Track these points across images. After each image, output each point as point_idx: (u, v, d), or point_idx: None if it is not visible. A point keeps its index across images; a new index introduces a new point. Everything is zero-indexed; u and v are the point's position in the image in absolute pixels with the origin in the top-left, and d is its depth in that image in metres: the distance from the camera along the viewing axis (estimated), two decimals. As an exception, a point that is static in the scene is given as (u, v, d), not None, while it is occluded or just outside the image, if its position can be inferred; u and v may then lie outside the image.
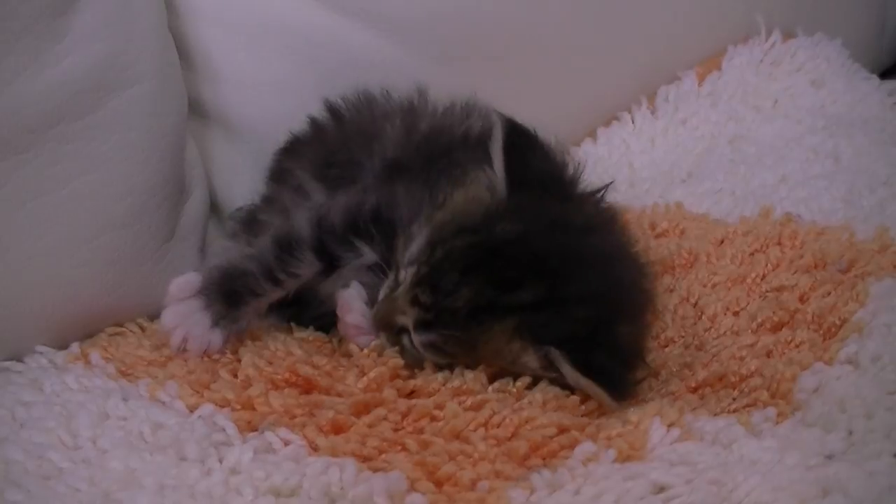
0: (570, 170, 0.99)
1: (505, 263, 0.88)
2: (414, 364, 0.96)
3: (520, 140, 0.95)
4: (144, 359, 1.01)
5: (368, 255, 1.02)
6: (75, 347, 1.06)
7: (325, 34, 1.40)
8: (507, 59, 1.58)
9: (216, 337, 0.98)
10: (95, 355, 1.03)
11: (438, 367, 0.95)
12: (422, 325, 0.92)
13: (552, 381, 0.91)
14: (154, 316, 1.15)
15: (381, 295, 0.98)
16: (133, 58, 1.11)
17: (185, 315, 0.98)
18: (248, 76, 1.37)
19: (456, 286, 0.89)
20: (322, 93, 1.38)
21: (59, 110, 1.03)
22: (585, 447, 0.80)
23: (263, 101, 1.38)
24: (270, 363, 0.97)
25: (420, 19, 1.47)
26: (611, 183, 1.03)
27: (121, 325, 1.13)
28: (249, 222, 1.26)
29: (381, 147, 1.17)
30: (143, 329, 1.13)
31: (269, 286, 1.00)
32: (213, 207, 1.39)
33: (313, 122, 1.30)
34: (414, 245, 0.94)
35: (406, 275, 0.94)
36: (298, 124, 1.35)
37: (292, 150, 1.30)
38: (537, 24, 1.61)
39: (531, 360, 0.90)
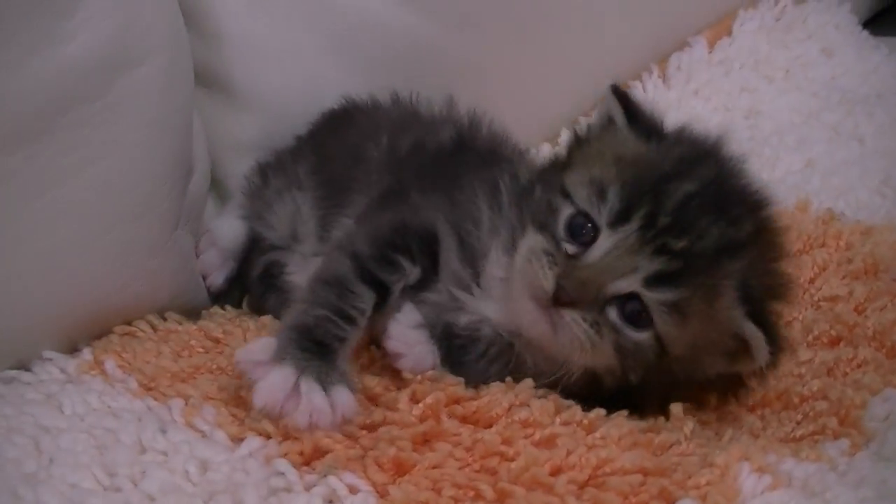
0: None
1: (725, 202, 0.89)
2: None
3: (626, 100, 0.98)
4: (167, 370, 0.94)
5: (412, 270, 0.95)
6: (87, 354, 0.98)
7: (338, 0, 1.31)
8: (521, 27, 1.50)
9: (344, 396, 0.83)
10: (110, 364, 0.95)
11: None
12: (663, 280, 0.85)
13: None
14: (163, 311, 1.08)
15: (550, 269, 0.88)
16: (145, 30, 1.01)
17: (286, 386, 0.82)
18: (254, 40, 1.27)
19: (707, 227, 0.86)
20: (331, 60, 1.30)
21: (71, 93, 0.93)
22: (685, 505, 0.74)
23: (270, 67, 1.28)
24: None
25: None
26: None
27: (130, 324, 1.05)
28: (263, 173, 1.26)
29: (365, 172, 1.13)
30: (154, 328, 1.05)
31: (348, 326, 0.88)
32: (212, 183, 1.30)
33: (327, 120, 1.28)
34: (605, 207, 0.88)
35: (617, 234, 0.87)
36: (306, 94, 1.27)
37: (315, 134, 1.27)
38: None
39: (733, 318, 0.88)
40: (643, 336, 0.87)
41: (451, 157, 1.13)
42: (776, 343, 0.88)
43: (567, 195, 0.91)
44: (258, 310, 1.16)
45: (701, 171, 0.90)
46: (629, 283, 0.86)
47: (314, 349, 0.85)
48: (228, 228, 1.25)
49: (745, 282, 0.87)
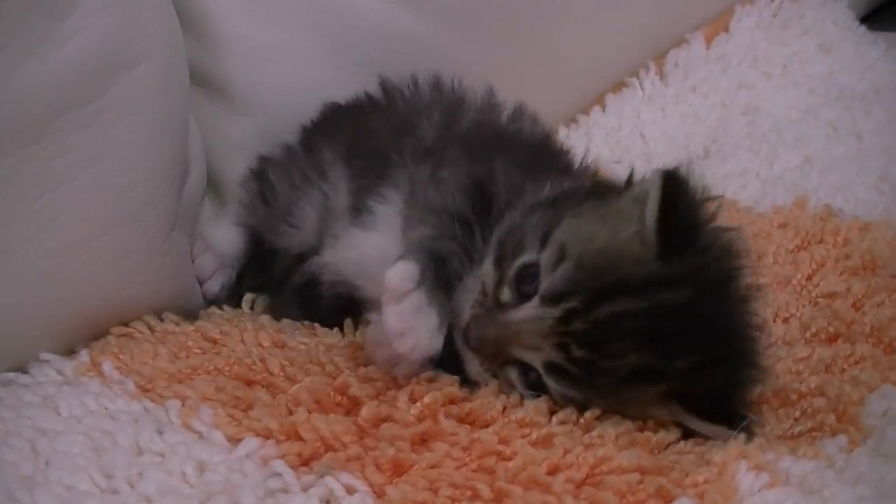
0: (707, 212, 0.89)
1: (670, 332, 0.82)
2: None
3: (674, 194, 0.86)
4: (165, 371, 0.94)
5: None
6: (84, 355, 0.98)
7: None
8: (518, 25, 1.51)
9: (437, 341, 0.84)
10: (108, 365, 0.95)
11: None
12: (558, 371, 0.84)
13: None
14: (160, 312, 1.08)
15: (471, 307, 0.88)
16: (141, 31, 1.00)
17: (413, 315, 0.82)
18: (251, 41, 1.27)
19: (622, 352, 0.82)
20: (329, 61, 1.31)
21: (68, 95, 0.92)
22: None
23: (267, 68, 1.28)
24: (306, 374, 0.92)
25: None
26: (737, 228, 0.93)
27: (127, 325, 1.05)
28: (260, 177, 1.24)
29: (415, 142, 1.11)
30: (152, 329, 1.05)
31: (468, 268, 0.89)
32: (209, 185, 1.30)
33: (355, 101, 1.26)
34: (551, 279, 0.84)
35: (541, 310, 0.84)
36: (303, 95, 1.27)
37: (327, 123, 1.25)
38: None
39: (664, 413, 0.87)
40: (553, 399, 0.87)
41: (536, 149, 1.13)
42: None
43: (545, 241, 0.87)
44: (273, 311, 1.15)
45: (669, 293, 0.83)
46: (531, 358, 0.85)
47: (441, 284, 0.86)
48: (224, 235, 1.24)
49: (680, 392, 0.85)
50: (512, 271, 0.87)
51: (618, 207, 0.90)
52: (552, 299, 0.84)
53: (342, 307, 1.06)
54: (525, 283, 0.86)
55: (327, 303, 1.10)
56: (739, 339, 0.88)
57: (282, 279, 1.19)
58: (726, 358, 0.86)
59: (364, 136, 1.17)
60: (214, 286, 1.21)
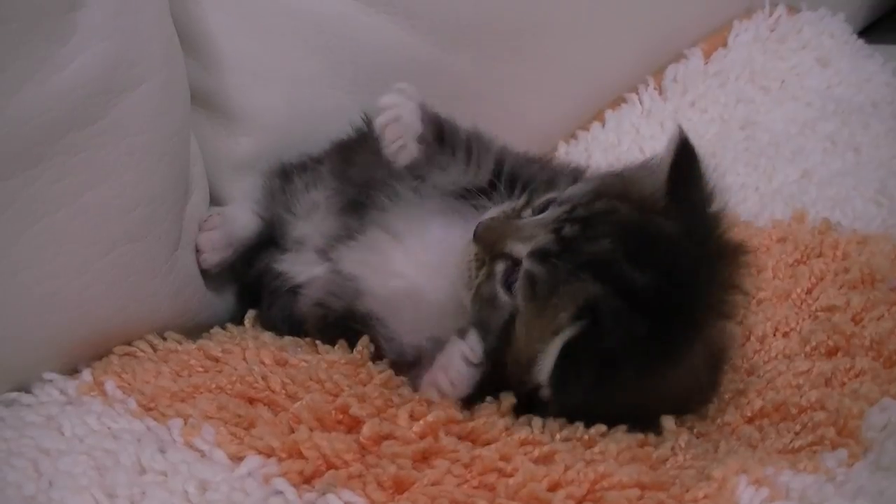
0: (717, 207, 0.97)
1: (638, 248, 0.88)
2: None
3: (688, 160, 0.95)
4: (167, 390, 0.94)
5: None
6: (87, 375, 0.98)
7: (334, 19, 1.31)
8: (516, 42, 1.51)
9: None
10: (110, 384, 0.95)
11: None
12: (541, 255, 0.89)
13: None
14: (163, 331, 1.08)
15: (491, 215, 0.97)
16: (141, 53, 1.01)
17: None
18: (251, 62, 1.27)
19: (599, 238, 0.88)
20: (328, 79, 1.31)
21: (67, 118, 0.93)
22: (683, 520, 0.75)
23: (267, 88, 1.28)
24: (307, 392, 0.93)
25: (431, 4, 1.39)
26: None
27: (130, 344, 1.05)
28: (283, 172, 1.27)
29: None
30: (154, 348, 1.05)
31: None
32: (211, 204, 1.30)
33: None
34: (571, 189, 0.96)
35: (551, 211, 0.94)
36: (304, 113, 1.28)
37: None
38: (543, 4, 1.54)
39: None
40: (504, 298, 0.91)
41: None
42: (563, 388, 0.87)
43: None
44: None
45: (660, 219, 0.91)
46: (521, 249, 0.91)
47: None
48: (244, 218, 1.23)
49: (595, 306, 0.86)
50: (539, 202, 0.97)
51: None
52: (561, 202, 0.94)
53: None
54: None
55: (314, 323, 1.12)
56: (704, 293, 0.91)
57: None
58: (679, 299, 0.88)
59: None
60: (214, 258, 1.19)
